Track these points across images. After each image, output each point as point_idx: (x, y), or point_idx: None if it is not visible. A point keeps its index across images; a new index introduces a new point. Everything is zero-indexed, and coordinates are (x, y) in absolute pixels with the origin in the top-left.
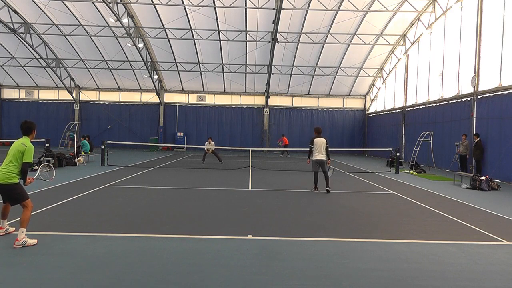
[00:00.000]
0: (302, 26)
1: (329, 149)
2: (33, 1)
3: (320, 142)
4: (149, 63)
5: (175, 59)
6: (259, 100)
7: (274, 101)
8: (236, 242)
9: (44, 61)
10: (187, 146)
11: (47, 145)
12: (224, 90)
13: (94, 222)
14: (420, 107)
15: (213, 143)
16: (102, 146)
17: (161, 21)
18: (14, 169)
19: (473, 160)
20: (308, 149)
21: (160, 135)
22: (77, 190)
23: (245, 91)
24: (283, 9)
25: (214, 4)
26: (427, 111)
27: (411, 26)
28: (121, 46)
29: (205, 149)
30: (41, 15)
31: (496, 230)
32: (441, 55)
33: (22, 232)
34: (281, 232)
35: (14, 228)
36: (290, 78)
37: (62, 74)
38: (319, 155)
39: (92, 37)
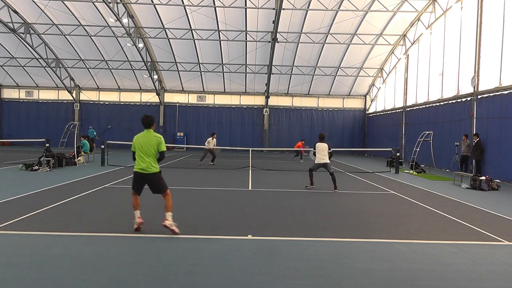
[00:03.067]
0: (302, 26)
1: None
2: (33, 1)
3: (322, 146)
4: (149, 63)
5: (175, 59)
6: (259, 100)
7: (274, 101)
8: (236, 242)
9: (44, 61)
10: (187, 146)
11: (47, 145)
12: (224, 90)
13: (94, 222)
14: (420, 107)
15: (215, 140)
16: (102, 146)
17: (161, 21)
18: (155, 160)
19: (473, 160)
20: (313, 153)
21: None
22: (77, 190)
23: (245, 91)
24: (283, 9)
25: (214, 4)
26: (427, 111)
27: (411, 26)
28: (121, 46)
29: (208, 147)
30: (41, 15)
31: (496, 230)
32: (441, 55)
33: (170, 215)
34: (281, 232)
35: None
36: (290, 78)
37: (62, 74)
38: (322, 157)
39: (92, 37)
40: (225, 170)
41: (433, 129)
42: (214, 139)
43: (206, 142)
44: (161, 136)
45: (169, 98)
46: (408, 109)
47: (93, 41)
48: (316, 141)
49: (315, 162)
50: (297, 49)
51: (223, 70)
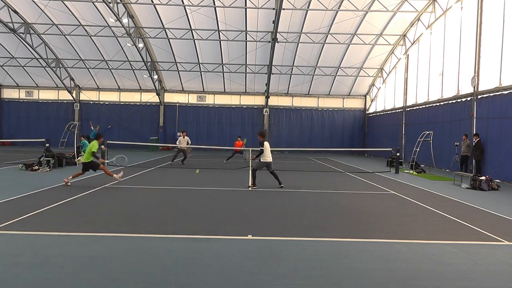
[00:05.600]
0: (302, 26)
1: (329, 149)
2: (33, 1)
3: (268, 145)
4: (149, 63)
5: (175, 59)
6: (259, 100)
7: (274, 101)
8: (236, 242)
9: (44, 61)
10: (186, 146)
11: (47, 145)
12: (224, 90)
13: (94, 222)
14: (420, 107)
15: (187, 138)
16: (102, 146)
17: (161, 21)
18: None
19: (473, 160)
20: (259, 151)
21: (160, 135)
22: (77, 190)
23: (245, 91)
24: (283, 9)
25: (214, 4)
26: (427, 111)
27: (411, 26)
28: (121, 46)
29: (179, 147)
30: (41, 15)
31: (496, 230)
32: (441, 55)
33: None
34: (281, 232)
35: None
36: (290, 78)
37: (62, 74)
38: (269, 157)
39: (92, 37)
40: (225, 170)
41: (433, 129)
42: (186, 137)
43: (177, 142)
44: (92, 143)
45: (169, 98)
46: (408, 109)
47: (93, 41)
48: (262, 140)
49: (261, 161)
50: (297, 49)
51: (223, 70)
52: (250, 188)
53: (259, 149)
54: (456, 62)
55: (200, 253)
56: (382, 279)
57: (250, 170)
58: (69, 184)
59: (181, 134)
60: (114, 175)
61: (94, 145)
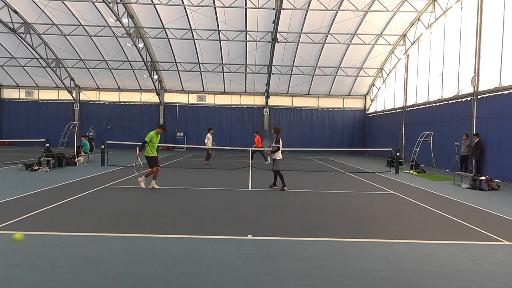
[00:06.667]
0: (302, 26)
1: (329, 149)
2: (33, 1)
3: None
4: (149, 63)
5: (175, 59)
6: (259, 100)
7: (274, 101)
8: (236, 242)
9: (44, 61)
10: (187, 146)
11: (47, 145)
12: (224, 90)
13: (94, 222)
14: (420, 107)
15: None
16: (102, 146)
17: (161, 21)
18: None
19: (473, 160)
20: (276, 148)
21: (160, 135)
22: (77, 190)
23: (245, 91)
24: (283, 9)
25: (214, 4)
26: (427, 111)
27: (411, 26)
28: (121, 46)
29: (208, 148)
30: (41, 15)
31: (496, 230)
32: (441, 55)
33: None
34: (281, 232)
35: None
36: (290, 78)
37: (62, 74)
38: (281, 154)
39: (92, 37)
40: (225, 170)
41: (433, 129)
42: (211, 136)
43: (206, 139)
44: (149, 133)
45: (169, 98)
46: (408, 109)
47: (93, 41)
48: (277, 137)
49: (278, 159)
50: (297, 49)
51: (223, 70)
52: (270, 188)
53: (275, 146)
54: (456, 62)
55: (200, 253)
56: (382, 279)
57: (273, 172)
58: (157, 187)
59: (209, 131)
60: (142, 181)
61: (150, 135)
